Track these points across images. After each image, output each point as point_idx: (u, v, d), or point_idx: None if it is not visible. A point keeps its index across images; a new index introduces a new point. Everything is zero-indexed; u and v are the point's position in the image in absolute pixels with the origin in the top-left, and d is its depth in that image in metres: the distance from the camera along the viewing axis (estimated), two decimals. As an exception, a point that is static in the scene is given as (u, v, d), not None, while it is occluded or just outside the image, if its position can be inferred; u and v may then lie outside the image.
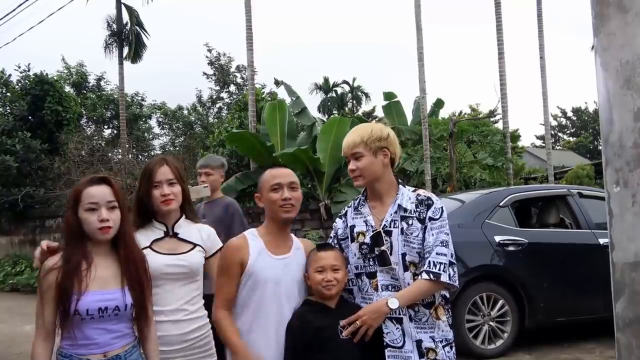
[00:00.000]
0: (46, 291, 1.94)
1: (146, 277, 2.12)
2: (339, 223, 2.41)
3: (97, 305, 1.94)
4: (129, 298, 2.01)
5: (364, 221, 2.31)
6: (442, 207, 2.27)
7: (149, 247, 2.35)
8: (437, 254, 2.18)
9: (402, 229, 2.23)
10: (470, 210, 5.53)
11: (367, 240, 2.26)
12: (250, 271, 2.17)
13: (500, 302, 5.19)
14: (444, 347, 2.22)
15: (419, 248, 2.22)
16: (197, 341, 2.38)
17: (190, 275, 2.40)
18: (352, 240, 2.32)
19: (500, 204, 5.51)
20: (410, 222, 2.24)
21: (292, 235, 2.35)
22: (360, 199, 2.40)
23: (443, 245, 2.19)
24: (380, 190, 2.32)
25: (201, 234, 2.50)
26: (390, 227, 2.25)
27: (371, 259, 2.26)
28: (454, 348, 2.28)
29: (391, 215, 2.26)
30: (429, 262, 2.18)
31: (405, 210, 2.26)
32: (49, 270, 1.95)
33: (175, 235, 2.43)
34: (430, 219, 2.23)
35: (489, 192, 6.13)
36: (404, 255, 2.22)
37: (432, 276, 2.16)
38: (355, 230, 2.32)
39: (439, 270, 2.16)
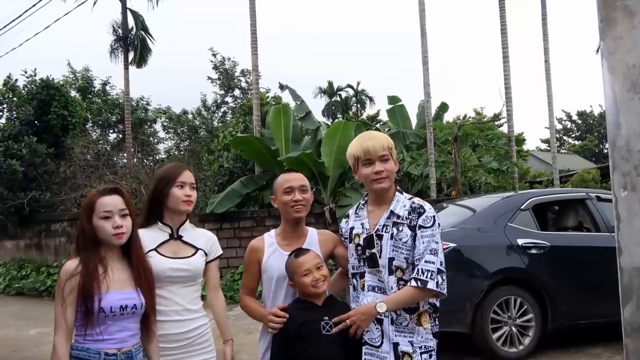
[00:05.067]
0: (69, 294, 2.10)
1: (152, 279, 2.30)
2: (343, 223, 2.58)
3: (119, 303, 2.14)
4: (142, 298, 2.21)
5: (360, 224, 2.43)
6: (434, 216, 2.33)
7: (155, 249, 2.43)
8: (425, 261, 2.24)
9: (392, 234, 2.31)
10: (490, 214, 5.53)
11: (361, 242, 2.37)
12: (264, 267, 2.49)
13: (523, 305, 5.18)
14: (421, 353, 2.26)
15: (407, 254, 2.29)
16: (198, 338, 2.49)
17: (193, 278, 2.50)
18: (350, 241, 2.45)
19: (522, 207, 5.52)
20: (400, 229, 2.31)
21: (311, 229, 2.57)
22: (360, 203, 2.51)
23: (432, 254, 2.25)
24: (385, 196, 2.40)
25: (206, 239, 2.61)
26: (382, 231, 2.34)
27: (362, 260, 2.36)
28: (433, 357, 2.30)
29: (384, 220, 2.35)
30: (418, 270, 2.24)
31: (398, 216, 2.34)
32: (71, 275, 2.11)
33: (179, 238, 2.51)
34: (421, 227, 2.30)
35: (509, 195, 6.15)
36: (391, 259, 2.30)
37: (419, 283, 2.22)
38: (354, 232, 2.44)
39: (427, 277, 2.22)
